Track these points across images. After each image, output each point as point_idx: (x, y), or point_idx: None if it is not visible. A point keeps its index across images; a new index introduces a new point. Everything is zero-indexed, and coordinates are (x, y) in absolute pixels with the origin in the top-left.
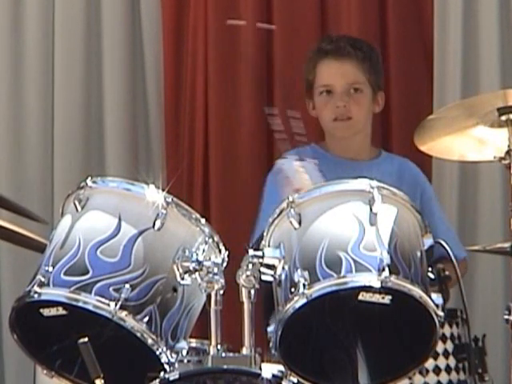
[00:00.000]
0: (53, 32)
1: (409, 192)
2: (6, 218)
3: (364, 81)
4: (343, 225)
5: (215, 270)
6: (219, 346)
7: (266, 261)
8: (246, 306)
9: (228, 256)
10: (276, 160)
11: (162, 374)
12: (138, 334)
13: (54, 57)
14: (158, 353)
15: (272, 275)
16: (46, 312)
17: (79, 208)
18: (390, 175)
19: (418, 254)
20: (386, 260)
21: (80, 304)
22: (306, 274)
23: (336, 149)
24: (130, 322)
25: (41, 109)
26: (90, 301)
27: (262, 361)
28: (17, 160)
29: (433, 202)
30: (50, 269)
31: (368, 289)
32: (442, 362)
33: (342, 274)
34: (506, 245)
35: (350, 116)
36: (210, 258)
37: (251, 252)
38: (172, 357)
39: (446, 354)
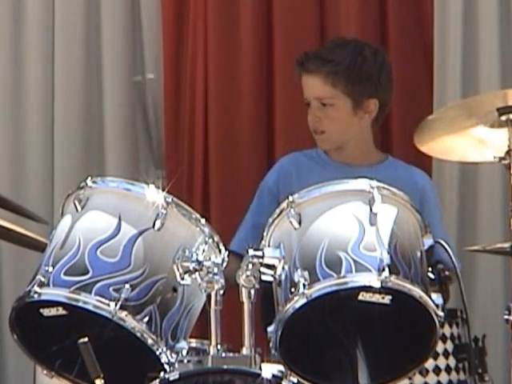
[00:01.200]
0: (53, 32)
1: None
2: (6, 217)
3: (335, 94)
4: (343, 225)
5: (215, 270)
6: (219, 346)
7: (266, 261)
8: (246, 306)
9: (228, 256)
10: (276, 160)
11: (162, 374)
12: (138, 334)
13: (54, 57)
14: (158, 353)
15: (272, 275)
16: (46, 312)
17: (79, 208)
18: (388, 181)
19: (418, 254)
20: (386, 260)
21: (80, 304)
22: (306, 273)
23: (333, 155)
24: (129, 322)
25: (41, 109)
26: (89, 301)
27: (262, 361)
28: (17, 160)
29: (433, 215)
30: (50, 269)
31: (368, 289)
32: (442, 362)
33: (342, 274)
34: (506, 245)
35: (322, 130)
36: (209, 258)
37: (251, 252)
38: (172, 357)
39: (446, 354)
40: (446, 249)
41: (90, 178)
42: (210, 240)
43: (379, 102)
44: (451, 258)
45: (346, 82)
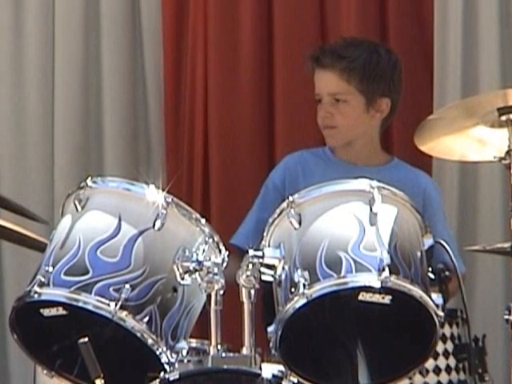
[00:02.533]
0: (53, 33)
1: None
2: (7, 218)
3: (349, 91)
4: (343, 225)
5: (215, 270)
6: (219, 346)
7: (266, 261)
8: (246, 306)
9: (228, 256)
10: (277, 160)
11: (162, 374)
12: (138, 334)
13: (54, 57)
14: (158, 353)
15: (272, 275)
16: (46, 312)
17: (79, 208)
18: (392, 182)
19: (418, 254)
20: (386, 260)
21: (80, 304)
22: (306, 274)
23: (340, 154)
24: (130, 322)
25: (41, 109)
26: (90, 301)
27: (262, 361)
28: (18, 161)
29: (437, 216)
30: (50, 269)
31: (368, 289)
32: (442, 361)
33: (342, 274)
34: (506, 245)
35: (334, 125)
36: (210, 258)
37: (251, 252)
38: (172, 357)
39: (446, 353)
40: (446, 249)
41: (90, 178)
42: (210, 240)
43: (391, 102)
44: (451, 259)
45: (361, 79)
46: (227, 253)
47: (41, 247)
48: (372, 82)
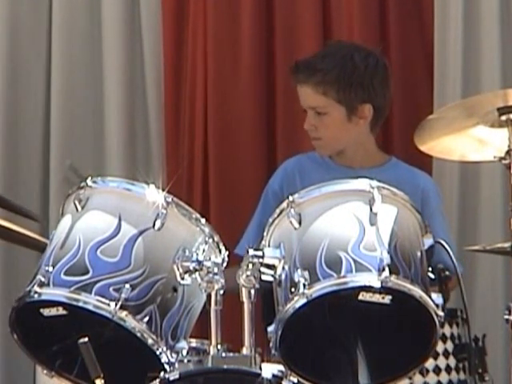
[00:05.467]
0: (51, 32)
1: None
2: (5, 216)
3: (327, 103)
4: (343, 225)
5: (215, 269)
6: (219, 346)
7: (266, 261)
8: (246, 306)
9: (228, 256)
10: (277, 159)
11: (162, 373)
12: (138, 334)
13: (52, 58)
14: (158, 353)
15: (272, 275)
16: (46, 312)
17: (79, 208)
18: (389, 182)
19: (418, 253)
20: (386, 260)
21: (80, 304)
22: (306, 273)
23: (336, 158)
24: (130, 321)
25: (39, 108)
26: (90, 301)
27: (262, 361)
28: (14, 159)
29: (435, 216)
30: (50, 269)
31: (368, 289)
32: (442, 361)
33: (342, 273)
34: (506, 245)
35: (319, 137)
36: (210, 258)
37: (251, 252)
38: (172, 357)
39: (446, 353)
40: (446, 249)
41: (90, 178)
42: (210, 240)
43: (374, 107)
44: (451, 259)
45: (337, 90)
46: (227, 253)
47: (40, 247)
48: (349, 92)
